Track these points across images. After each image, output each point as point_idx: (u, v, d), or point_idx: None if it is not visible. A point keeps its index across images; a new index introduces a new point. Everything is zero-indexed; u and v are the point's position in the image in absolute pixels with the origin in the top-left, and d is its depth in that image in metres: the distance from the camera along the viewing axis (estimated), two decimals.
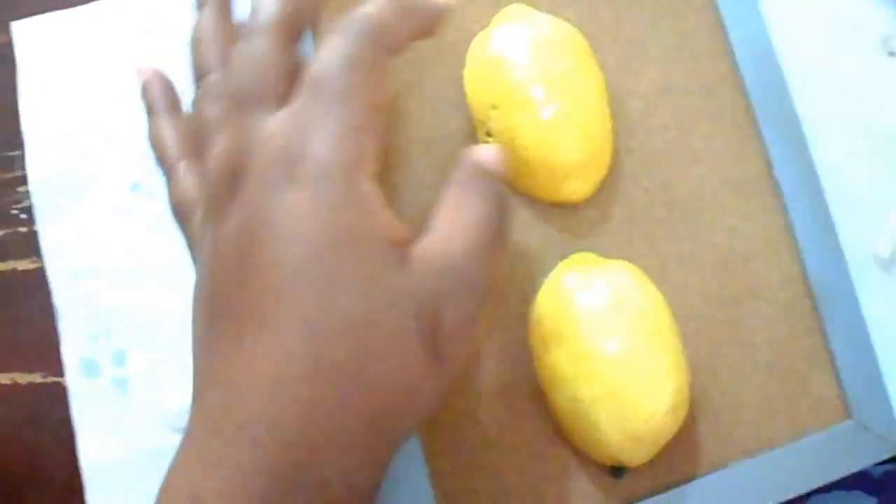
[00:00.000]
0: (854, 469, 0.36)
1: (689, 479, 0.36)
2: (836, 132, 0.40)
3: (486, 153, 0.29)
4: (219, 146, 0.28)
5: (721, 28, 0.39)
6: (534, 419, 0.36)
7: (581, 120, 0.35)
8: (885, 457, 0.36)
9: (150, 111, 0.35)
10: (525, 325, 0.36)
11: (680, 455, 0.36)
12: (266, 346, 0.25)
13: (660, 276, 0.37)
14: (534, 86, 0.35)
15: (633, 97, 0.39)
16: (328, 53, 0.27)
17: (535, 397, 0.36)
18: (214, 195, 0.27)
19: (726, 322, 0.37)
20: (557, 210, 0.38)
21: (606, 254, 0.37)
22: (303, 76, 0.27)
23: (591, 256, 0.36)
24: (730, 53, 0.39)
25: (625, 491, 0.35)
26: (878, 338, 0.37)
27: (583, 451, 0.35)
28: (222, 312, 0.26)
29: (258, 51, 0.28)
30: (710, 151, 0.38)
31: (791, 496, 0.35)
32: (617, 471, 0.35)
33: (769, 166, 0.38)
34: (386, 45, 0.28)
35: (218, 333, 0.26)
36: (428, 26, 0.30)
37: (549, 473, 0.36)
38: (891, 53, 0.40)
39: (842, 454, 0.36)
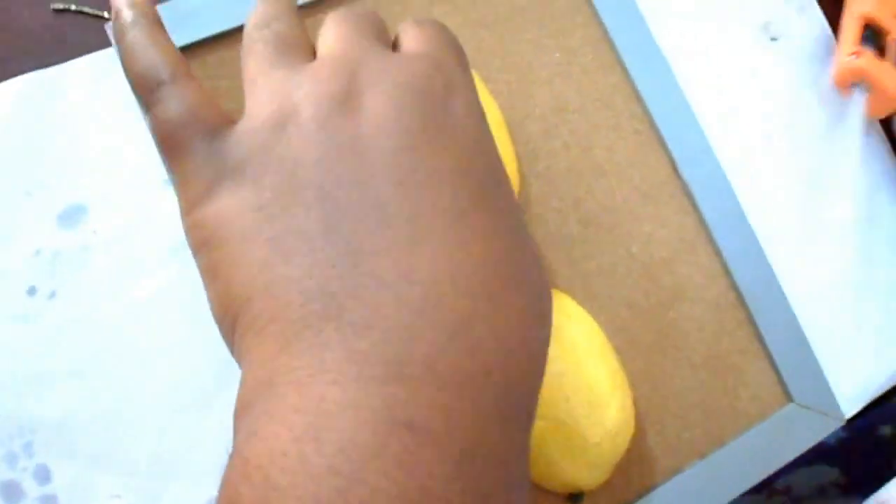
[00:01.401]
0: (803, 449, 0.36)
1: (646, 491, 0.35)
2: (733, 124, 0.40)
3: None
4: (261, 91, 0.25)
5: (607, 39, 0.39)
6: None
7: None
8: (830, 431, 0.37)
9: (131, 23, 0.28)
10: None
11: (635, 469, 0.36)
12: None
13: (585, 294, 0.37)
14: None
15: (530, 121, 0.38)
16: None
17: None
18: (263, 139, 0.24)
19: (657, 329, 0.37)
20: None
21: None
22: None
23: None
24: (619, 63, 0.39)
25: None
26: (801, 315, 0.38)
27: (538, 483, 0.34)
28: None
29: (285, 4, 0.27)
30: (614, 163, 0.38)
31: (748, 487, 0.36)
32: (575, 497, 0.34)
33: (674, 168, 0.38)
34: None
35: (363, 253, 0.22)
36: None
37: None
38: (773, 39, 0.41)
39: (789, 437, 0.36)
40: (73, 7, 0.38)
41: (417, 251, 0.22)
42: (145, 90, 0.26)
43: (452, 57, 0.27)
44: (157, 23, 0.28)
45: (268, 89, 0.25)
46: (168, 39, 0.27)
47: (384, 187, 0.23)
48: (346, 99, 0.24)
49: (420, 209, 0.23)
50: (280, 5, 0.28)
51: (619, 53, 0.39)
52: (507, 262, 0.23)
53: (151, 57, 0.26)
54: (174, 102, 0.26)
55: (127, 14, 0.27)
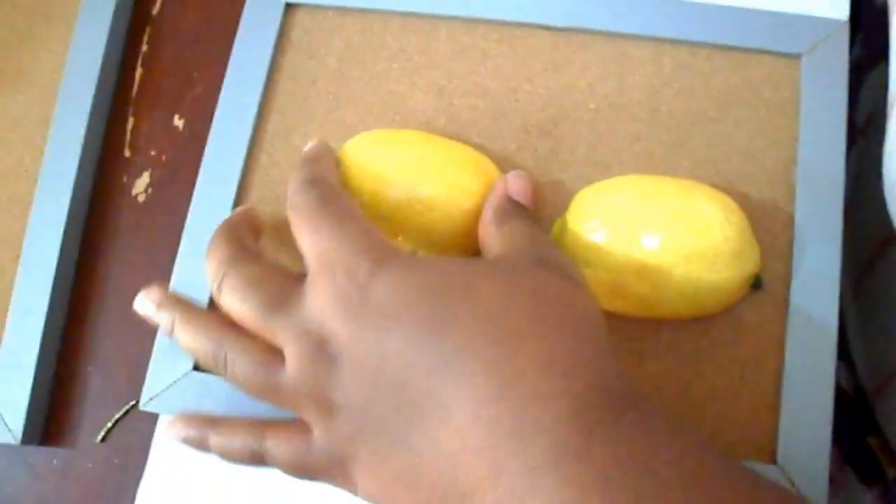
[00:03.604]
0: None
1: None
2: None
3: (514, 186, 0.35)
4: (293, 348, 0.28)
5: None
6: None
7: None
8: None
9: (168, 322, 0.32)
10: None
11: None
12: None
13: None
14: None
15: None
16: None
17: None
18: (317, 382, 0.28)
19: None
20: None
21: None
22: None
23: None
24: None
25: None
26: None
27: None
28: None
29: (244, 273, 0.30)
30: None
31: None
32: (756, 284, 0.35)
33: None
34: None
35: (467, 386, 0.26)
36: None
37: None
38: None
39: None
40: (110, 425, 0.40)
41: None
42: (211, 360, 0.30)
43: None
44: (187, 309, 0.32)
45: (286, 335, 0.29)
46: (202, 316, 0.31)
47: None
48: (356, 301, 0.28)
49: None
50: (227, 247, 0.32)
51: None
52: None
53: (201, 340, 0.31)
54: (242, 358, 0.30)
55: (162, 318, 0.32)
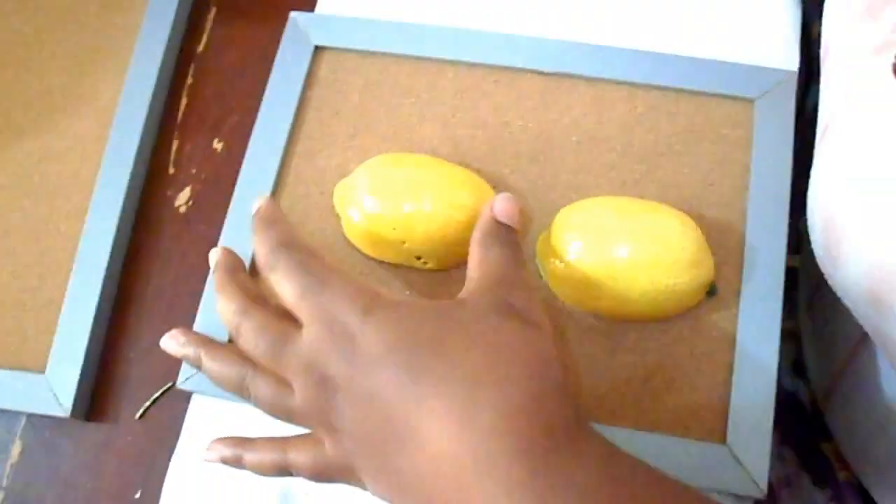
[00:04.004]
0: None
1: None
2: None
3: (499, 208, 0.38)
4: (299, 382, 0.34)
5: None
6: None
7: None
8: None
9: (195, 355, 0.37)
10: None
11: None
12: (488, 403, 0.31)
13: None
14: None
15: None
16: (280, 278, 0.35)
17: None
18: (321, 409, 0.33)
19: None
20: None
21: None
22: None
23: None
24: None
25: None
26: None
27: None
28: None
29: (255, 322, 0.35)
30: None
31: None
32: (712, 290, 0.41)
33: None
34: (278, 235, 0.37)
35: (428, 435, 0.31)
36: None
37: None
38: None
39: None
40: (148, 404, 0.46)
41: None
42: (235, 389, 0.36)
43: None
44: (212, 346, 0.37)
45: (292, 372, 0.34)
46: (225, 352, 0.37)
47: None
48: (349, 348, 0.33)
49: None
50: (237, 298, 0.36)
51: None
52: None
53: (226, 372, 0.36)
54: (261, 388, 0.35)
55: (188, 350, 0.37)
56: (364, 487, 0.34)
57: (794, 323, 0.53)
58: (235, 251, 0.40)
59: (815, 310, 0.49)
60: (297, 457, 0.35)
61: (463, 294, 0.36)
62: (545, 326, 0.35)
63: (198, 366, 0.37)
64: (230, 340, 0.42)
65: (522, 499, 0.29)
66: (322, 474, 0.35)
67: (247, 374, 0.35)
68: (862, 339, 0.41)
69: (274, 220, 0.38)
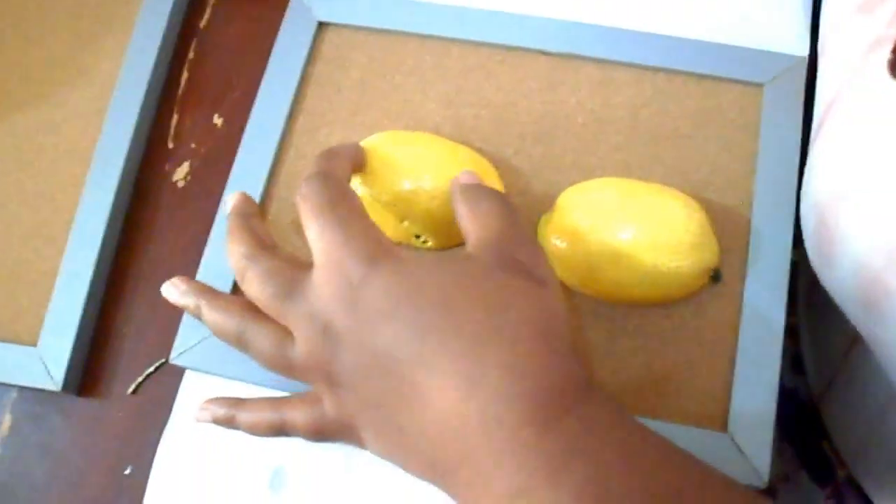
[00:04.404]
0: None
1: None
2: None
3: (465, 177, 0.38)
4: (301, 331, 0.33)
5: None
6: None
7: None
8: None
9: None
10: None
11: None
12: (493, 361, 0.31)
13: None
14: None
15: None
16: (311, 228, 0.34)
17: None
18: (323, 361, 0.33)
19: None
20: None
21: None
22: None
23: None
24: None
25: None
26: None
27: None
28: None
29: (262, 267, 0.35)
30: None
31: None
32: (716, 275, 0.40)
33: None
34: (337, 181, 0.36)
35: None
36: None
37: None
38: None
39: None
40: (141, 379, 0.45)
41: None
42: (234, 341, 0.35)
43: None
44: (212, 295, 0.36)
45: (296, 319, 0.33)
46: (225, 301, 0.36)
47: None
48: (352, 299, 0.32)
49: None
50: (246, 242, 0.36)
51: None
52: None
53: (225, 321, 0.35)
54: (261, 339, 0.34)
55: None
56: (363, 446, 0.33)
57: (795, 319, 0.52)
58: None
59: (812, 307, 0.48)
60: (294, 415, 0.34)
61: (467, 249, 0.35)
62: (553, 282, 0.34)
63: (197, 315, 0.36)
64: (234, 292, 0.42)
65: (528, 461, 0.29)
66: (320, 433, 0.34)
67: (247, 324, 0.34)
68: (855, 339, 0.41)
69: (334, 154, 0.38)
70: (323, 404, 0.33)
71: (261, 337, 0.34)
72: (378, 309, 0.31)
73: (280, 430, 0.35)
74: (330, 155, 0.38)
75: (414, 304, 0.31)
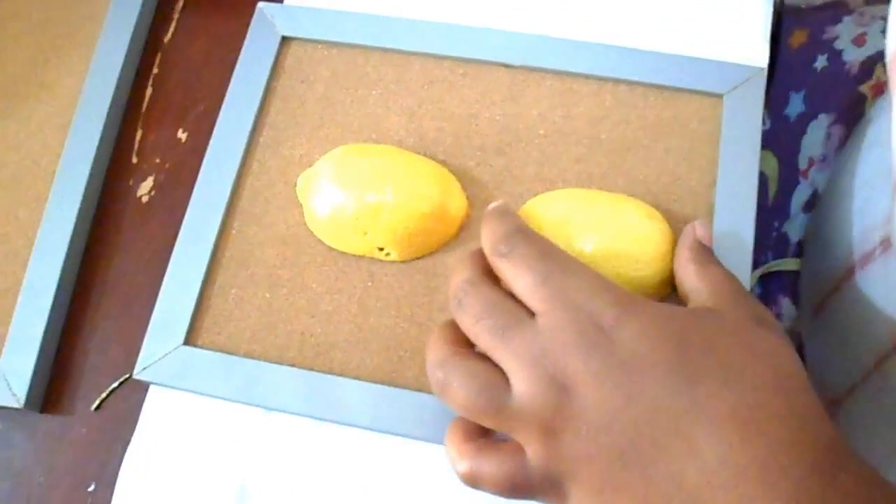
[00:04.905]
0: None
1: None
2: None
3: (700, 232, 0.39)
4: (525, 373, 0.30)
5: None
6: None
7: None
8: None
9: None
10: None
11: None
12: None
13: None
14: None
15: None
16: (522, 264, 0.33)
17: None
18: (546, 407, 0.30)
19: None
20: None
21: None
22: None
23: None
24: None
25: None
26: None
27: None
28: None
29: (484, 297, 0.33)
30: None
31: None
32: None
33: None
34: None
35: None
36: None
37: None
38: None
39: None
40: (104, 395, 0.44)
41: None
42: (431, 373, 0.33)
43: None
44: None
45: (518, 360, 0.31)
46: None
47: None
48: (601, 342, 0.30)
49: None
50: (472, 267, 0.34)
51: None
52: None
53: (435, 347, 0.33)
54: (464, 375, 0.32)
55: None
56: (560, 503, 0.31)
57: (790, 326, 0.53)
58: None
59: (824, 320, 0.48)
60: (492, 468, 0.31)
61: (701, 304, 0.35)
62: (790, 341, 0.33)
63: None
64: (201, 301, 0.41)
65: None
66: (516, 489, 0.31)
67: (447, 356, 0.32)
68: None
69: (507, 212, 0.36)
70: (525, 455, 0.31)
71: (464, 372, 0.31)
72: (636, 352, 0.30)
73: (472, 481, 0.32)
74: (504, 212, 0.36)
75: (678, 349, 0.30)
